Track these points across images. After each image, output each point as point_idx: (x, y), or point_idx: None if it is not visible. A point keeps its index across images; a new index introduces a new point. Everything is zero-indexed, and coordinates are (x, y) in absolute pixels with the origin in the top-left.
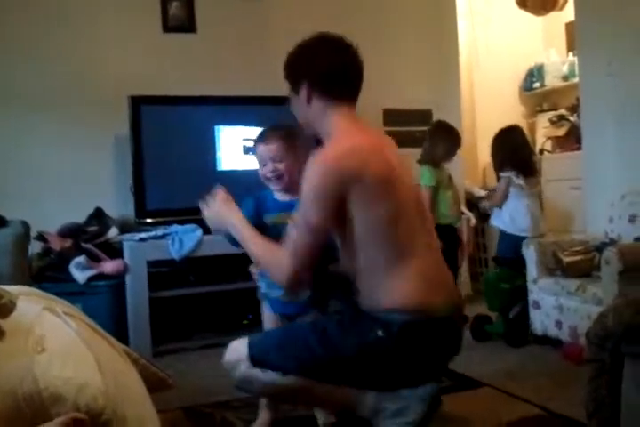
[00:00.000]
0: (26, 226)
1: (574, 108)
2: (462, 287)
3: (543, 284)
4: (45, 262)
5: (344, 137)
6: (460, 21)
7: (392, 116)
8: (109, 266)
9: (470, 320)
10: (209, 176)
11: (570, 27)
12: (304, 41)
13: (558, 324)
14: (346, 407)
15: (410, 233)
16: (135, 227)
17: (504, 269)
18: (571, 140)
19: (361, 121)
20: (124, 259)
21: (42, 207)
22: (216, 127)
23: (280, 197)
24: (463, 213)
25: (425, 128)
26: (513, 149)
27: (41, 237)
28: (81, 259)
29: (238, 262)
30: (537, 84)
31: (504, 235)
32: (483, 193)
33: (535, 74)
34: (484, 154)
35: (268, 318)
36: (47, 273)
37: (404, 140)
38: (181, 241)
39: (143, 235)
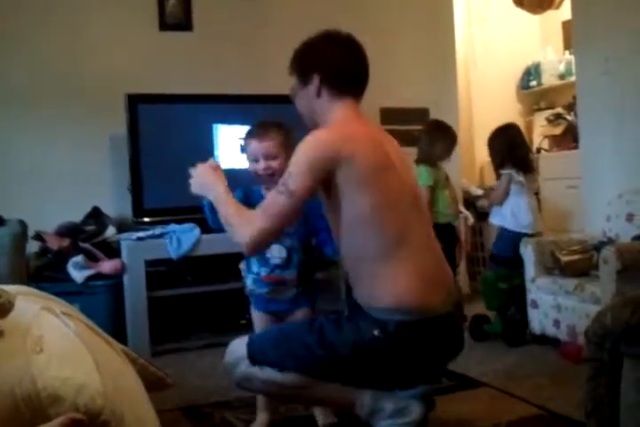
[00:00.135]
0: (23, 225)
1: (571, 107)
2: (460, 286)
3: (541, 283)
4: (43, 262)
5: (342, 124)
6: (457, 20)
7: (389, 115)
8: (107, 265)
9: (468, 320)
10: None
11: (566, 25)
12: (315, 35)
13: (556, 323)
14: (344, 406)
15: (404, 225)
16: (133, 226)
17: (502, 268)
18: (568, 138)
19: (364, 116)
20: (121, 258)
21: (39, 207)
22: (213, 126)
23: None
24: (461, 211)
25: (422, 127)
26: (512, 147)
27: (38, 236)
28: (79, 258)
29: (236, 262)
30: (534, 83)
31: (504, 232)
32: (480, 192)
33: (532, 72)
34: (482, 153)
35: (257, 317)
36: (45, 273)
37: (401, 139)
38: (179, 240)
39: (141, 234)
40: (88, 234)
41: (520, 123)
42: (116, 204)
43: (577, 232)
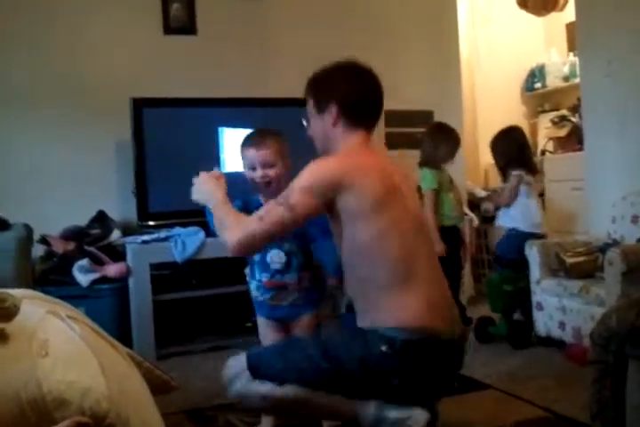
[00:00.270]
0: (28, 229)
1: (576, 109)
2: (465, 289)
3: (546, 285)
4: (48, 266)
5: (351, 154)
6: (461, 22)
7: (393, 118)
8: (112, 269)
9: (474, 322)
10: None
11: (570, 27)
12: (334, 64)
13: (562, 325)
14: (347, 418)
15: (410, 255)
16: (138, 230)
17: (507, 270)
18: (572, 140)
19: (374, 147)
20: (126, 262)
21: (44, 210)
22: (218, 129)
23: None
24: (466, 214)
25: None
26: (520, 148)
27: (44, 240)
28: (84, 262)
29: (241, 265)
30: (538, 85)
31: (512, 234)
32: (484, 194)
33: (536, 74)
34: (486, 155)
35: (262, 324)
36: (50, 276)
37: (405, 142)
38: (184, 244)
39: (146, 237)
40: (93, 238)
41: (524, 125)
42: (121, 207)
43: (582, 234)
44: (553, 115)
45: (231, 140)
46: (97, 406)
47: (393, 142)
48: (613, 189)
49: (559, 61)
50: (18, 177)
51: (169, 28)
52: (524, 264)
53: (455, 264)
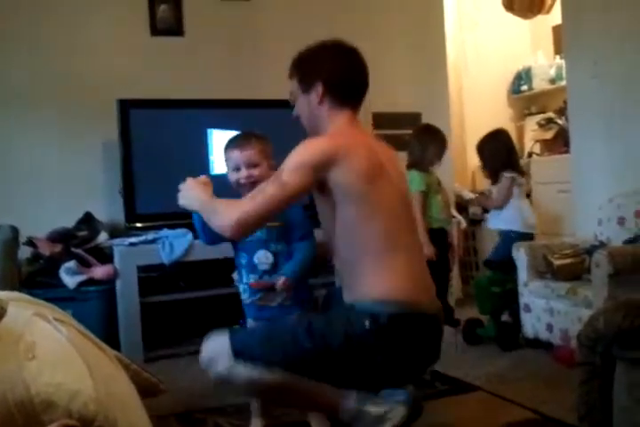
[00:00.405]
0: (15, 231)
1: (562, 111)
2: (453, 291)
3: (534, 287)
4: (35, 268)
5: (340, 133)
6: (448, 24)
7: (381, 120)
8: (99, 271)
9: (462, 324)
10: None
11: (557, 30)
12: (319, 43)
13: (549, 327)
14: (327, 410)
15: (394, 231)
16: (125, 231)
17: (497, 272)
18: (559, 143)
19: (361, 126)
20: (114, 264)
21: (31, 212)
22: (205, 131)
23: None
24: (454, 216)
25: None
26: (508, 151)
27: (30, 242)
28: (71, 264)
29: (229, 267)
30: (525, 87)
31: (509, 236)
32: (472, 196)
33: (523, 77)
34: (474, 157)
35: (251, 325)
36: (37, 279)
37: (393, 144)
38: (172, 246)
39: (133, 239)
40: (80, 239)
41: (511, 127)
42: (108, 209)
43: (569, 236)
44: (539, 117)
45: (219, 142)
46: (85, 409)
47: None
48: (600, 191)
49: (546, 64)
50: (4, 179)
51: (156, 30)
52: (514, 266)
53: (443, 266)
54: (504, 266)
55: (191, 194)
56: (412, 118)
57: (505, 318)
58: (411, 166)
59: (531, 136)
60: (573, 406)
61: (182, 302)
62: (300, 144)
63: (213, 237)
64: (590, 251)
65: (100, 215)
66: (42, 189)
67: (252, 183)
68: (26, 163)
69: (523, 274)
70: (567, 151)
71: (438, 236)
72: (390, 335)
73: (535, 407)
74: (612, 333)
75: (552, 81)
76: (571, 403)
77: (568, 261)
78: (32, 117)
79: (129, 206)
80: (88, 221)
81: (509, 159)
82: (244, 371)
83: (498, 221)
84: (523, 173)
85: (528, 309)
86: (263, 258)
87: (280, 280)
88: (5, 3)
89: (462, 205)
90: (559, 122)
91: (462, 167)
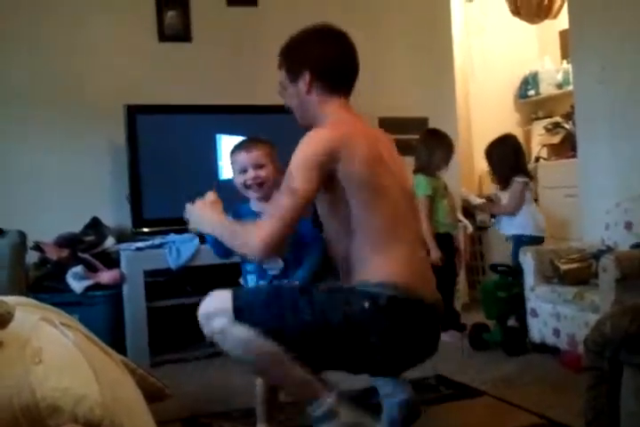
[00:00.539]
0: (22, 236)
1: (569, 116)
2: (460, 295)
3: (540, 292)
4: (42, 272)
5: (339, 122)
6: (455, 30)
7: (388, 125)
8: (106, 276)
9: (468, 329)
10: (206, 185)
11: (564, 34)
12: (305, 30)
13: (556, 332)
14: (303, 396)
15: (396, 221)
16: (132, 236)
17: (503, 277)
18: (566, 147)
19: (356, 113)
20: (120, 269)
21: (38, 217)
22: (213, 136)
23: (258, 207)
24: (460, 220)
25: (419, 136)
26: (518, 155)
27: (38, 247)
28: (78, 269)
29: (235, 272)
30: (532, 92)
31: (524, 241)
32: (479, 200)
33: (530, 82)
34: (480, 161)
35: None
36: (44, 283)
37: (400, 149)
38: (179, 250)
39: (140, 244)
40: (87, 244)
41: (518, 132)
42: (115, 214)
43: (576, 241)
44: (546, 122)
45: (228, 148)
46: (90, 414)
47: None
48: (607, 195)
49: (553, 69)
50: (12, 184)
51: (164, 36)
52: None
53: (450, 271)
54: (515, 271)
55: (202, 217)
56: (418, 123)
57: (512, 322)
58: (417, 171)
59: (538, 141)
60: (580, 412)
61: (189, 307)
62: (303, 139)
63: (227, 251)
64: (597, 255)
65: (108, 220)
66: (50, 194)
67: (259, 184)
68: (33, 168)
69: (529, 279)
70: (574, 156)
71: (444, 240)
72: (388, 317)
73: (542, 412)
74: (619, 337)
75: (559, 86)
76: (578, 408)
77: (575, 265)
78: (42, 123)
79: (136, 211)
80: (95, 226)
81: (518, 164)
82: (240, 333)
83: (510, 227)
84: (531, 177)
85: (535, 313)
86: (273, 263)
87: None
88: (10, 5)
89: (469, 210)
90: (566, 126)
91: (469, 172)
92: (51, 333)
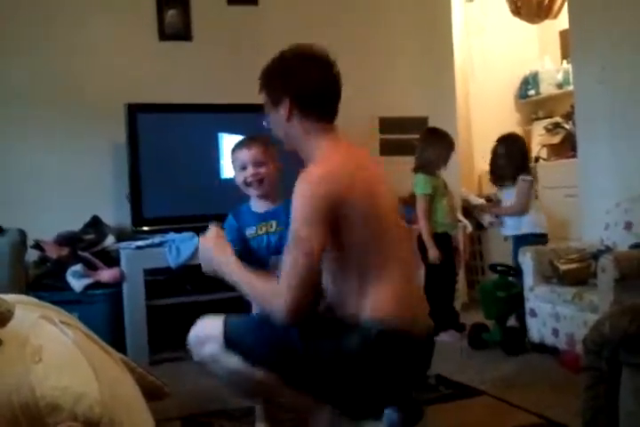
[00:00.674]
0: (22, 234)
1: (569, 116)
2: (459, 295)
3: (539, 292)
4: (42, 271)
5: (327, 158)
6: (456, 30)
7: (388, 125)
8: (106, 274)
9: (467, 329)
10: (205, 184)
11: (564, 34)
12: (284, 54)
13: (555, 332)
14: (299, 412)
15: (388, 252)
16: (132, 235)
17: (502, 276)
18: (566, 147)
19: (341, 139)
20: (120, 267)
21: (38, 216)
22: (213, 135)
23: (257, 207)
24: (460, 220)
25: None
26: (524, 154)
27: (38, 245)
28: (78, 267)
29: None
30: (532, 92)
31: (534, 240)
32: (480, 200)
33: (530, 82)
34: (480, 161)
35: None
36: (44, 282)
37: (400, 148)
38: (178, 249)
39: (140, 243)
40: (87, 243)
41: (518, 132)
42: (115, 213)
43: (575, 241)
44: (546, 122)
45: (228, 146)
46: (90, 412)
47: (387, 149)
48: (607, 195)
49: (553, 69)
50: (12, 182)
51: (164, 35)
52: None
53: (449, 271)
54: (515, 271)
55: (213, 260)
56: (418, 123)
57: (511, 322)
58: (417, 169)
59: (538, 141)
60: (579, 411)
61: (188, 306)
62: (299, 187)
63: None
64: (596, 256)
65: (108, 219)
66: (49, 192)
67: (259, 181)
68: (33, 167)
69: (529, 279)
70: (574, 156)
71: (442, 240)
72: (377, 351)
73: (541, 412)
74: (617, 337)
75: (559, 86)
76: (576, 408)
77: (574, 265)
78: (42, 122)
79: (136, 210)
80: (95, 224)
81: (524, 163)
82: (229, 361)
83: (518, 227)
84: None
85: (534, 313)
86: (277, 263)
87: None
88: (10, 5)
89: (469, 210)
90: (566, 126)
91: (469, 172)
92: (50, 331)
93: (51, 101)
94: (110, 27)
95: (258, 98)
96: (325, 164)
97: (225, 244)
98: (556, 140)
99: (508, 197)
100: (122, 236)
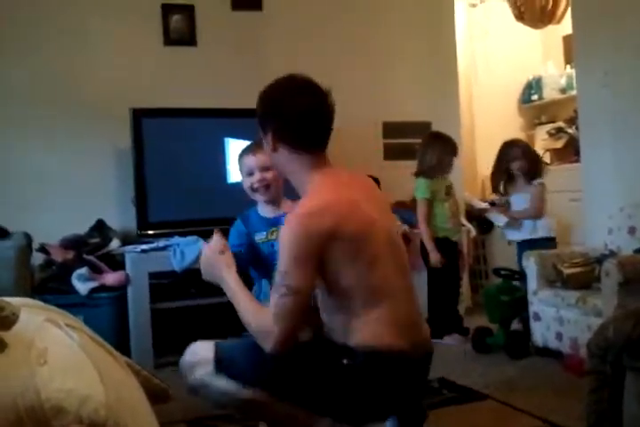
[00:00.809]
0: (28, 238)
1: (572, 121)
2: (463, 299)
3: (543, 296)
4: (47, 274)
5: (318, 194)
6: (459, 34)
7: (391, 129)
8: (111, 278)
9: (471, 332)
10: (209, 188)
11: (567, 39)
12: (272, 84)
13: (559, 335)
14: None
15: (384, 280)
16: (137, 239)
17: (506, 280)
18: (569, 152)
19: (335, 171)
20: (125, 271)
21: (44, 219)
22: (217, 140)
23: (266, 212)
24: (463, 224)
25: (422, 139)
26: (540, 158)
27: (43, 248)
28: (83, 271)
29: (240, 274)
30: (535, 97)
31: (548, 244)
32: (483, 205)
33: (533, 86)
34: (484, 166)
35: None
36: (49, 285)
37: (403, 153)
38: (183, 253)
39: (145, 247)
40: (92, 246)
41: (521, 137)
42: (120, 216)
43: (579, 245)
44: (550, 127)
45: (233, 151)
46: (95, 415)
47: (391, 153)
48: (610, 200)
49: (556, 74)
50: (18, 186)
51: (169, 40)
52: None
53: (452, 275)
54: (519, 275)
55: (214, 271)
56: (422, 127)
57: (515, 326)
58: (418, 173)
59: (541, 145)
60: (583, 415)
61: (193, 309)
62: (285, 227)
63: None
64: (600, 260)
65: (113, 223)
66: (55, 196)
67: (266, 187)
68: (39, 170)
69: (532, 283)
70: (577, 160)
71: (444, 245)
72: (366, 373)
73: (544, 416)
74: (621, 341)
75: (562, 90)
76: (580, 412)
77: (578, 269)
78: (48, 126)
79: (141, 214)
80: (100, 228)
81: (537, 169)
82: (221, 384)
83: (534, 230)
84: None
85: (538, 317)
86: None
87: None
88: (12, 9)
89: (473, 214)
90: (569, 131)
91: (472, 176)
92: (56, 334)
93: (54, 105)
94: (115, 31)
95: None
96: (312, 203)
97: (228, 257)
98: (560, 144)
99: (519, 200)
100: (127, 239)
